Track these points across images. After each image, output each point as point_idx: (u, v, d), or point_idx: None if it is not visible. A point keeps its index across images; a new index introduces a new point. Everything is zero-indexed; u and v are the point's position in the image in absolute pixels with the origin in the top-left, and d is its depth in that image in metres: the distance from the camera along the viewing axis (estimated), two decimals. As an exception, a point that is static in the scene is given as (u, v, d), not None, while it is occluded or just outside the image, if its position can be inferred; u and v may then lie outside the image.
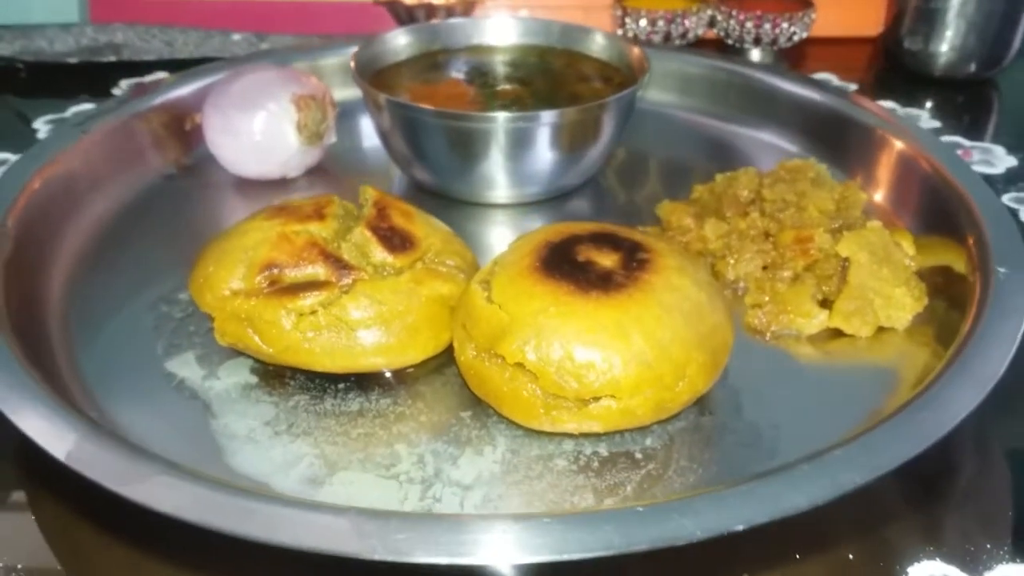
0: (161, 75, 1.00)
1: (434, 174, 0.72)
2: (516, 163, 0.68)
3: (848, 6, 1.10)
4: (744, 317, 0.58)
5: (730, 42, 1.01)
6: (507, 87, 0.77)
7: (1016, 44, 0.96)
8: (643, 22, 0.98)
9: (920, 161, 0.68)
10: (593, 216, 0.73)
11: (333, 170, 0.78)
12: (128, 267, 0.64)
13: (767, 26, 0.97)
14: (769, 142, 0.81)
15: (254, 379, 0.52)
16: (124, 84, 0.98)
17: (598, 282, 0.47)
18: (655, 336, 0.45)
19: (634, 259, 0.49)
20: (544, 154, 0.68)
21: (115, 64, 1.01)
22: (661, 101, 0.88)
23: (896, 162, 0.71)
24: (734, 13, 0.98)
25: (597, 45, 0.83)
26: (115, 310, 0.59)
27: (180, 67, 1.00)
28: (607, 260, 0.49)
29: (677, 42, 1.00)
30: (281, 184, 0.75)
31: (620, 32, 1.01)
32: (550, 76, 0.79)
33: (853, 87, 0.97)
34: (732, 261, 0.61)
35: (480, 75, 0.79)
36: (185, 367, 0.53)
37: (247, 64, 0.74)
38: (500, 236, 0.71)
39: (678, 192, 0.73)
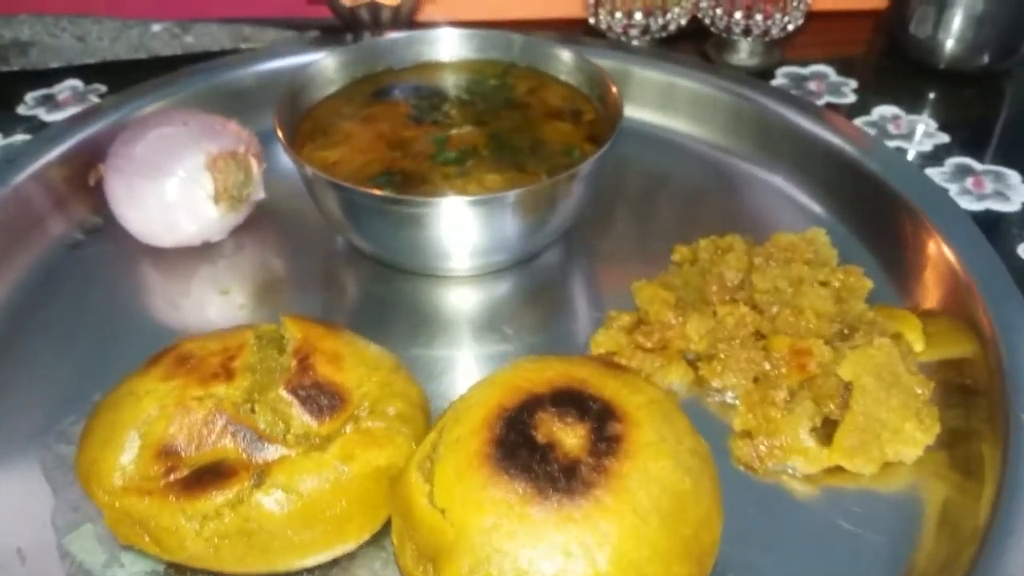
0: (72, 83, 0.88)
1: (377, 249, 0.63)
2: (472, 240, 0.59)
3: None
4: (733, 444, 0.51)
5: (715, 31, 0.89)
6: (461, 131, 0.66)
7: (1034, 32, 0.85)
8: (618, 15, 0.86)
9: (932, 236, 0.59)
10: (561, 286, 0.64)
11: (265, 226, 0.68)
12: (16, 384, 0.55)
13: (758, 17, 0.86)
14: (764, 179, 0.72)
15: (161, 568, 0.45)
16: (30, 98, 0.86)
17: (561, 480, 0.39)
18: (629, 557, 0.38)
19: (604, 436, 0.41)
20: (505, 228, 0.59)
21: (18, 73, 0.88)
22: (641, 120, 0.78)
23: (903, 228, 0.62)
24: (721, 1, 0.86)
25: (565, 67, 0.72)
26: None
27: (94, 74, 0.89)
28: (571, 439, 0.41)
29: (657, 36, 0.88)
30: (204, 250, 0.65)
31: (592, 21, 0.89)
32: (511, 110, 0.69)
33: (852, 84, 0.87)
34: (719, 368, 0.53)
35: (430, 108, 0.69)
36: (84, 547, 0.46)
37: (153, 117, 0.63)
38: (457, 310, 0.62)
39: (657, 247, 0.64)
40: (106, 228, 0.66)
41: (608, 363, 0.49)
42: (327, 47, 0.81)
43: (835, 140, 0.68)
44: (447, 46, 0.74)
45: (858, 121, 0.82)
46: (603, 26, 0.88)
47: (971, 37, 0.85)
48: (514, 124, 0.67)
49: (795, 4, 0.86)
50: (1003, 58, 0.87)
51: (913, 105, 0.84)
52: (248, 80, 0.77)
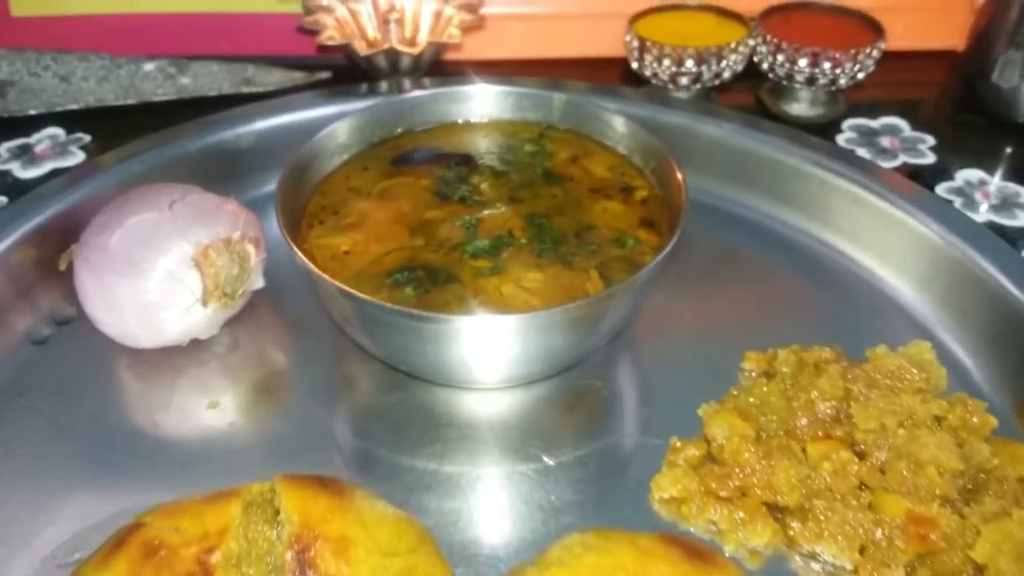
0: (52, 132, 0.78)
1: (393, 360, 0.53)
2: (504, 357, 0.49)
3: (918, 10, 0.88)
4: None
5: (773, 77, 0.80)
6: (495, 211, 0.56)
7: None
8: (667, 63, 0.76)
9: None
10: (608, 395, 0.54)
11: (264, 315, 0.59)
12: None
13: (826, 66, 0.76)
14: (851, 270, 0.62)
15: None
16: (4, 149, 0.77)
17: None
18: None
19: None
20: (545, 344, 0.49)
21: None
22: (702, 189, 0.68)
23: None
24: (784, 46, 0.76)
25: (612, 132, 0.62)
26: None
27: (76, 121, 0.79)
28: None
29: (709, 84, 0.78)
30: (191, 349, 0.55)
31: (635, 66, 0.79)
32: (550, 184, 0.59)
33: (929, 140, 0.77)
34: (816, 529, 0.43)
35: (458, 180, 0.59)
36: None
37: (134, 196, 0.53)
38: (481, 420, 0.52)
39: (724, 350, 0.54)
40: (79, 320, 0.56)
41: (691, 548, 0.39)
42: (340, 98, 0.71)
43: (939, 231, 0.58)
44: (475, 104, 0.65)
45: (941, 188, 0.72)
46: (647, 72, 0.79)
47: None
48: (555, 202, 0.58)
49: (868, 52, 0.76)
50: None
51: (997, 166, 0.74)
52: (250, 139, 0.68)
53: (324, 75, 0.83)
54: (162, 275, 0.50)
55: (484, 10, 0.83)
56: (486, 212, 0.56)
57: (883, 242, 0.61)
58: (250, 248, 0.54)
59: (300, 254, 0.48)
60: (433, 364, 0.50)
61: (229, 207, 0.54)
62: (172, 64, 0.84)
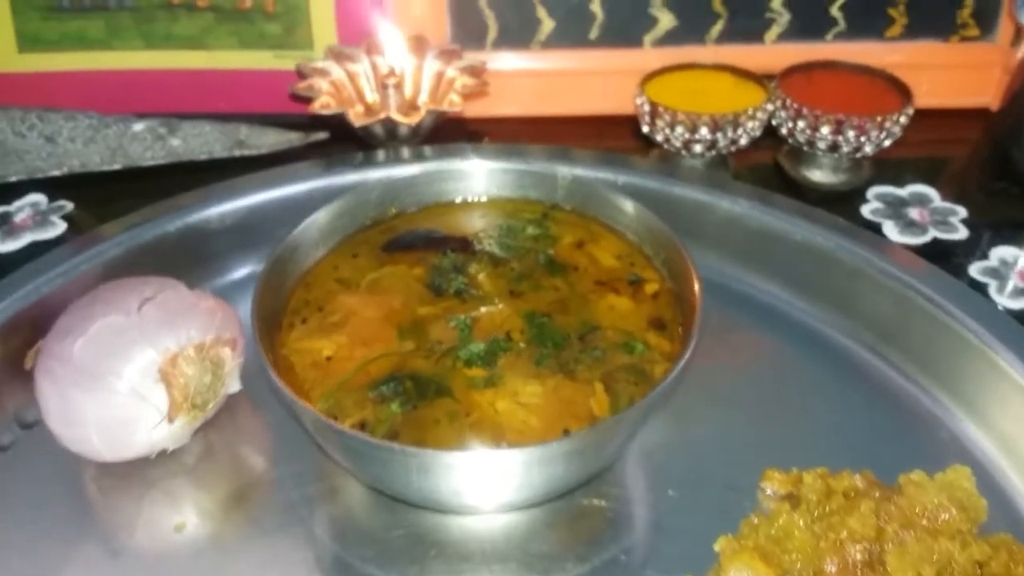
0: (34, 199, 0.75)
1: (378, 488, 0.49)
2: (498, 488, 0.45)
3: (948, 67, 0.84)
4: None
5: (792, 142, 0.75)
6: (492, 309, 0.52)
7: None
8: (680, 129, 0.72)
9: None
10: (611, 516, 0.49)
11: (241, 417, 0.54)
12: None
13: (850, 133, 0.71)
14: (881, 372, 0.56)
15: None
16: (-20, 219, 0.73)
17: None
18: None
19: None
20: (543, 474, 0.44)
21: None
22: (717, 270, 0.63)
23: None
24: (804, 112, 0.72)
25: (621, 215, 0.58)
26: None
27: (59, 187, 0.75)
28: None
29: (724, 151, 0.74)
30: (160, 459, 0.51)
31: (646, 129, 0.75)
32: (553, 274, 0.55)
33: (961, 212, 0.72)
34: None
35: (453, 270, 0.55)
36: None
37: (101, 295, 0.49)
38: (473, 544, 0.48)
39: (742, 465, 0.50)
40: (43, 424, 0.52)
41: None
42: (333, 169, 0.67)
43: (976, 331, 0.53)
44: (474, 183, 0.60)
45: (974, 268, 0.67)
46: (658, 138, 0.74)
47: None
48: (558, 296, 0.53)
49: (896, 118, 0.71)
50: None
51: (1038, 244, 0.69)
52: (236, 216, 0.64)
53: (321, 136, 0.79)
54: (125, 390, 0.46)
55: (490, 65, 0.80)
56: (483, 310, 0.52)
57: (915, 343, 0.56)
58: (225, 352, 0.50)
59: (276, 376, 0.44)
60: (420, 493, 0.45)
61: (204, 304, 0.50)
62: (163, 124, 0.80)
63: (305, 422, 0.45)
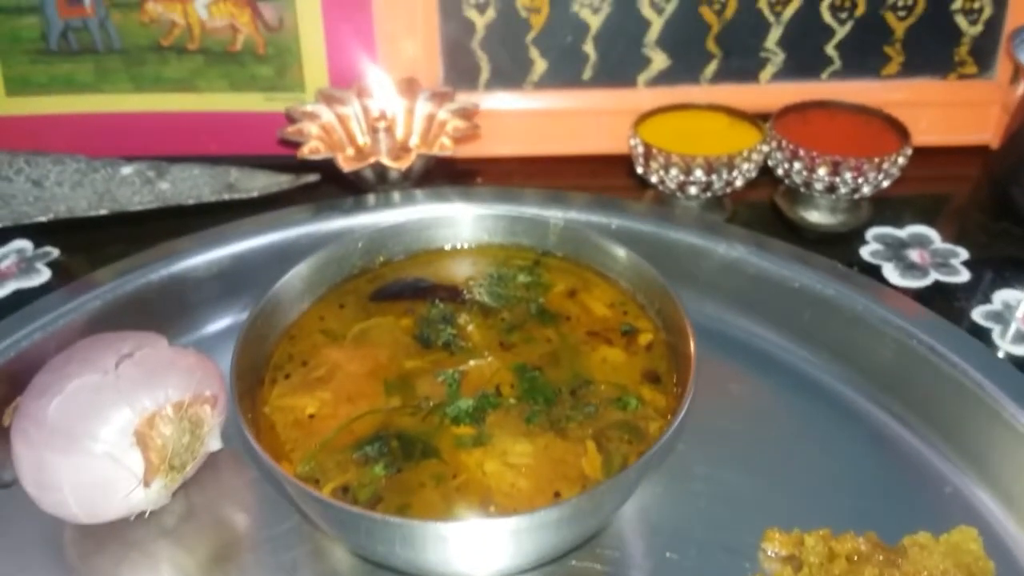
0: (20, 245, 0.74)
1: (362, 554, 0.47)
2: (486, 557, 0.43)
3: (947, 104, 0.83)
4: None
5: (789, 183, 0.74)
6: (481, 362, 0.50)
7: None
8: (674, 171, 0.71)
9: None
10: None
11: (223, 474, 0.52)
12: None
13: (847, 175, 0.70)
14: (887, 427, 0.55)
15: None
16: (-35, 265, 0.72)
17: None
18: None
19: None
20: (533, 541, 0.43)
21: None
22: (712, 316, 0.62)
23: None
24: (800, 153, 0.71)
25: (614, 263, 0.56)
26: None
27: (45, 234, 0.74)
28: None
29: (720, 193, 0.73)
30: (140, 522, 0.49)
31: (640, 170, 0.74)
32: (544, 325, 0.53)
33: (962, 254, 0.71)
34: None
35: (442, 321, 0.53)
36: None
37: (78, 353, 0.48)
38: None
39: (742, 523, 0.48)
40: (15, 490, 0.50)
41: None
42: (323, 215, 0.66)
43: (979, 384, 0.51)
44: (464, 229, 0.59)
45: (977, 312, 0.65)
46: (653, 179, 0.73)
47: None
48: (550, 348, 0.52)
49: (894, 159, 0.70)
50: None
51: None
52: (222, 264, 0.62)
53: (312, 178, 0.78)
54: (100, 453, 0.44)
55: (484, 106, 0.79)
56: (472, 363, 0.50)
57: (916, 393, 0.54)
58: (205, 410, 0.48)
59: (254, 440, 0.42)
60: (405, 561, 0.43)
61: (184, 361, 0.48)
62: (151, 167, 0.79)
63: (285, 487, 0.44)
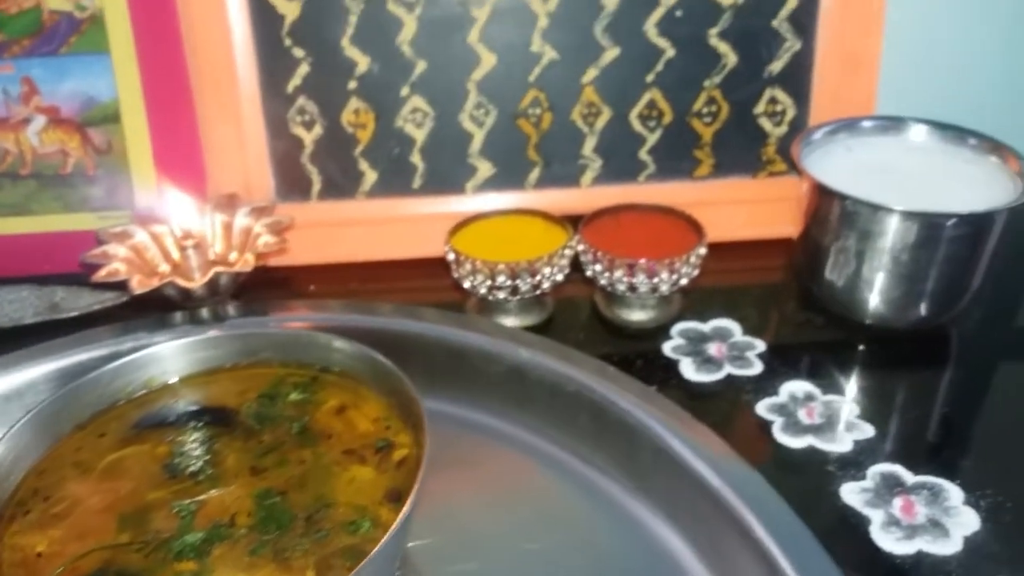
0: None
1: None
2: None
3: (756, 201, 0.87)
4: None
5: (598, 285, 0.76)
6: (223, 491, 0.51)
7: (975, 283, 0.72)
8: (480, 277, 0.73)
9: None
10: None
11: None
12: None
13: (641, 276, 0.73)
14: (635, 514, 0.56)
15: None
16: None
17: None
18: None
19: None
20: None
21: None
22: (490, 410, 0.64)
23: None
24: (599, 256, 0.73)
25: (384, 378, 0.57)
26: None
27: None
28: None
29: (528, 296, 0.75)
30: None
31: (456, 275, 0.76)
32: (303, 445, 0.54)
33: (759, 346, 0.73)
34: None
35: (200, 445, 0.54)
36: None
37: None
38: None
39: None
40: None
41: None
42: (119, 336, 0.67)
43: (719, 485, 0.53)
44: (243, 347, 0.60)
45: (762, 405, 0.67)
46: (466, 285, 0.75)
47: (899, 290, 0.72)
48: (301, 470, 0.52)
49: (685, 259, 0.73)
50: (942, 311, 0.73)
51: (830, 379, 0.69)
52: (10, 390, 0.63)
53: (126, 297, 0.78)
54: None
55: (316, 216, 0.81)
56: (213, 492, 0.50)
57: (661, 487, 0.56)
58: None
59: None
60: None
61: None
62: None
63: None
